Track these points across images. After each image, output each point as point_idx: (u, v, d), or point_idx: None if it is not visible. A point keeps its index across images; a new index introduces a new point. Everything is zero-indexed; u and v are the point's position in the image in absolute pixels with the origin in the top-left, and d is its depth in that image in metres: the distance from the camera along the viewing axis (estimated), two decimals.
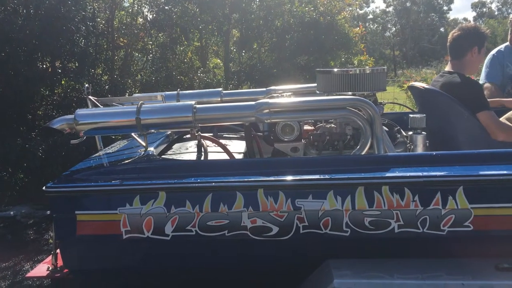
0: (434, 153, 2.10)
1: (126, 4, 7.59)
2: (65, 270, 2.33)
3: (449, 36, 3.09)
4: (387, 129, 2.72)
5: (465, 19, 63.98)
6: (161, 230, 2.01)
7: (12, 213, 5.18)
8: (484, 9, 62.31)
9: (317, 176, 1.98)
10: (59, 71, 6.34)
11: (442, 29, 53.42)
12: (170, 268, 2.13)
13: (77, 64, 6.35)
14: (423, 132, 2.52)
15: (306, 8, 7.07)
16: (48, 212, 5.06)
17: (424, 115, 2.52)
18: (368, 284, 1.76)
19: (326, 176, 1.97)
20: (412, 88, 3.18)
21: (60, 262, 2.40)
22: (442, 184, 1.91)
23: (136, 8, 7.16)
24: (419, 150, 2.49)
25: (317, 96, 2.59)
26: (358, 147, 2.31)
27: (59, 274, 2.37)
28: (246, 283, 2.15)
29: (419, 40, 51.28)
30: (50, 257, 2.50)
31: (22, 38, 5.64)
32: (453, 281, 1.72)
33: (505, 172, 1.90)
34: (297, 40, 7.09)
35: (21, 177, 5.87)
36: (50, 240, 4.32)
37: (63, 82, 6.48)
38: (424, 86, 3.04)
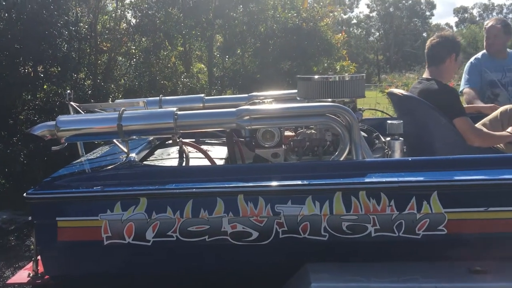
0: (409, 159, 2.16)
1: (110, 9, 7.58)
2: (46, 277, 2.32)
3: (428, 43, 3.15)
4: (366, 135, 2.78)
5: (447, 24, 65.06)
6: (142, 236, 2.02)
7: None
8: (466, 15, 63.44)
9: (296, 182, 2.02)
10: (42, 75, 6.30)
11: (424, 34, 54.21)
12: (151, 274, 2.14)
13: (59, 69, 6.32)
14: (400, 138, 2.58)
15: (289, 14, 7.16)
16: (30, 218, 5.00)
17: (401, 121, 2.58)
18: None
19: (305, 182, 2.01)
20: (391, 95, 3.25)
21: (41, 269, 2.40)
22: (417, 189, 1.97)
23: (119, 12, 7.15)
24: (397, 155, 2.54)
25: (297, 103, 2.63)
26: (336, 153, 2.35)
27: (40, 281, 2.36)
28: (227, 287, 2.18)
29: (402, 45, 51.98)
30: (31, 264, 2.49)
31: (4, 43, 5.60)
32: (427, 283, 1.78)
33: (477, 177, 1.97)
34: (280, 46, 7.16)
35: (2, 182, 5.82)
36: (31, 246, 4.28)
37: (45, 86, 6.44)
38: (402, 93, 3.10)
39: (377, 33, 55.42)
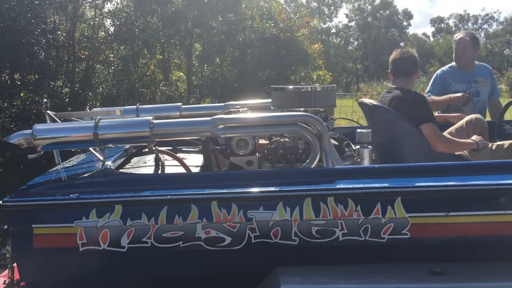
0: (376, 166, 2.26)
1: (88, 16, 7.58)
2: (22, 283, 2.35)
3: (398, 55, 3.28)
4: (336, 143, 2.88)
5: (424, 34, 66.27)
6: (117, 242, 2.07)
7: None
8: (442, 25, 64.71)
9: (267, 189, 2.10)
10: (18, 83, 6.27)
11: (402, 44, 55.10)
12: (127, 280, 2.19)
13: (36, 77, 6.30)
14: (369, 146, 2.69)
15: (267, 24, 7.29)
16: (5, 226, 4.97)
17: (370, 130, 2.68)
18: None
19: (276, 188, 2.09)
20: (361, 104, 3.36)
21: (16, 276, 2.42)
22: (382, 195, 2.06)
23: (98, 21, 7.17)
24: (365, 163, 2.65)
25: (270, 112, 2.71)
26: (308, 160, 2.44)
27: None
28: None
29: (380, 54, 52.74)
30: (6, 271, 2.51)
31: None
32: (390, 284, 1.87)
33: (438, 183, 2.08)
34: (258, 55, 7.28)
35: None
36: (7, 255, 4.25)
37: (22, 94, 6.40)
38: (372, 103, 3.22)
39: (356, 43, 56.23)
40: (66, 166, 2.71)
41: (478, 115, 3.47)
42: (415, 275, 1.93)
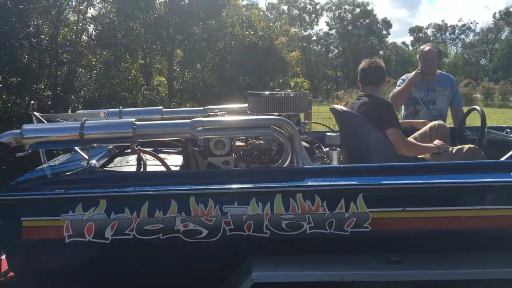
0: (340, 166, 2.47)
1: (71, 21, 7.68)
2: (10, 274, 2.48)
3: (366, 65, 3.50)
4: (308, 145, 3.08)
5: (404, 43, 67.38)
6: (102, 234, 2.23)
7: None
8: (421, 34, 65.77)
9: (241, 186, 2.29)
10: (1, 85, 6.33)
11: (381, 52, 55.90)
12: (110, 269, 2.34)
13: (19, 79, 6.37)
14: (337, 149, 2.90)
15: (247, 32, 7.51)
16: None
17: (338, 133, 2.90)
18: (281, 276, 2.07)
19: (250, 185, 2.28)
20: (332, 110, 3.58)
21: (3, 268, 2.56)
22: (345, 192, 2.27)
23: (81, 26, 7.28)
24: (334, 163, 2.85)
25: (245, 116, 2.90)
26: (280, 160, 2.63)
27: (2, 279, 2.52)
28: (179, 281, 2.40)
29: (359, 62, 53.41)
30: None
31: None
32: (351, 271, 2.07)
33: (395, 181, 2.29)
34: (238, 62, 7.48)
35: None
36: None
37: (4, 96, 6.46)
38: (342, 109, 3.44)
39: (336, 50, 56.86)
40: (52, 164, 2.86)
41: (440, 122, 3.73)
42: (373, 264, 2.14)
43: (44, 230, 2.25)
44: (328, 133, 2.92)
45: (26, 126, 2.44)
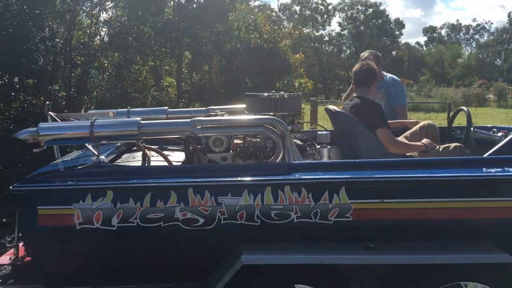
0: (325, 161, 2.69)
1: (85, 24, 7.98)
2: (27, 259, 2.74)
3: (358, 67, 3.69)
4: (301, 143, 3.30)
5: (418, 43, 66.91)
6: (109, 221, 2.48)
7: None
8: (435, 34, 65.22)
9: (235, 179, 2.52)
10: (17, 86, 6.65)
11: (394, 53, 55.64)
12: (116, 253, 2.59)
13: (35, 81, 6.68)
14: (328, 146, 3.11)
15: (252, 35, 7.76)
16: (4, 220, 5.35)
17: (328, 132, 3.11)
18: (267, 258, 2.30)
19: (242, 178, 2.51)
20: (327, 110, 3.79)
21: (21, 253, 2.82)
22: (329, 185, 2.49)
23: (93, 29, 7.58)
24: (324, 160, 3.07)
25: (242, 116, 3.14)
26: (273, 157, 2.86)
27: (20, 263, 2.79)
28: (177, 265, 2.63)
29: None
30: (12, 250, 2.91)
31: None
32: (330, 255, 2.29)
33: (375, 176, 2.51)
34: (244, 64, 7.74)
35: None
36: (7, 244, 4.62)
37: (20, 97, 6.78)
38: (335, 109, 3.65)
39: (348, 51, 56.78)
40: (65, 159, 3.12)
41: (430, 121, 3.91)
42: (351, 250, 2.36)
43: (57, 217, 2.50)
44: (319, 132, 3.13)
45: (42, 125, 2.69)
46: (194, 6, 7.65)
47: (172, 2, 7.87)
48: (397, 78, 4.78)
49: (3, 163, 6.01)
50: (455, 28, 65.23)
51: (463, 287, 2.37)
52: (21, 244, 2.82)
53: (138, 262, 2.62)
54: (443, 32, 65.61)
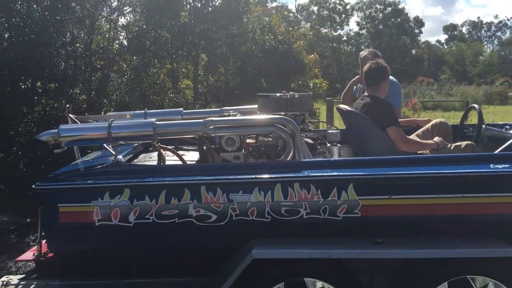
0: (333, 159, 2.76)
1: (104, 29, 8.19)
2: (49, 255, 2.88)
3: (367, 67, 3.74)
4: (312, 142, 3.36)
5: (438, 41, 65.95)
6: (126, 218, 2.59)
7: None
8: (455, 32, 64.22)
9: (246, 176, 2.61)
10: (40, 91, 6.88)
11: (413, 51, 55.03)
12: (133, 248, 2.70)
13: (56, 85, 6.90)
14: (338, 144, 3.17)
15: (267, 37, 7.85)
16: (29, 220, 5.55)
17: (338, 131, 3.17)
18: (277, 253, 2.38)
19: (253, 176, 2.60)
20: (338, 110, 3.85)
21: (43, 250, 2.96)
22: (337, 182, 2.55)
23: (112, 34, 7.78)
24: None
25: (253, 115, 3.22)
26: (284, 155, 2.94)
27: (42, 258, 2.93)
28: (191, 260, 2.73)
29: (391, 61, 52.80)
30: (35, 247, 3.06)
31: (6, 61, 6.18)
32: (338, 250, 2.36)
33: (383, 172, 2.56)
34: (259, 65, 7.83)
35: (3, 188, 6.33)
36: (31, 243, 4.80)
37: (43, 101, 7.00)
38: (346, 108, 3.71)
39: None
40: (84, 160, 3.25)
41: (442, 119, 3.94)
42: (360, 244, 2.42)
43: (77, 215, 2.62)
44: (329, 131, 3.19)
45: (62, 126, 2.82)
46: (210, 9, 7.79)
47: (188, 6, 8.02)
48: (395, 80, 4.81)
49: (27, 165, 6.22)
50: (476, 25, 64.09)
51: (470, 281, 2.40)
52: (44, 241, 2.96)
53: (153, 257, 2.73)
54: (464, 29, 64.57)
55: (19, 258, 3.06)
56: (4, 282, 2.78)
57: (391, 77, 4.83)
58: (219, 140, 3.17)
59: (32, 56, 6.20)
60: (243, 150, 3.12)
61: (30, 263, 3.77)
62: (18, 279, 2.82)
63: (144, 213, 2.58)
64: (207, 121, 2.82)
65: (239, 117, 3.04)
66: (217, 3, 7.87)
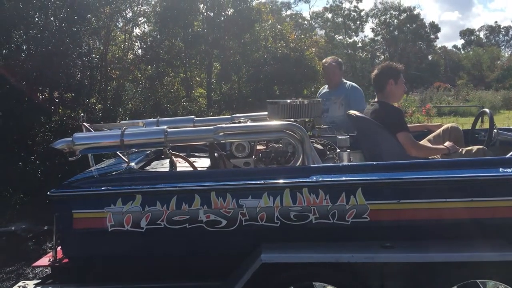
0: (341, 164, 2.77)
1: (119, 40, 8.35)
2: (64, 260, 2.94)
3: (373, 74, 3.76)
4: (321, 148, 3.39)
5: (455, 47, 65.33)
6: (138, 224, 2.63)
7: (13, 228, 5.77)
8: (472, 37, 63.58)
9: (255, 182, 2.64)
10: (57, 101, 7.03)
11: (430, 57, 54.60)
12: (145, 253, 2.75)
13: (73, 95, 7.05)
14: (348, 150, 3.19)
15: (279, 45, 7.91)
16: (46, 227, 5.66)
17: (348, 136, 3.19)
18: (285, 257, 2.41)
19: (262, 182, 2.63)
20: (348, 116, 3.87)
21: (59, 255, 3.02)
22: (346, 186, 2.57)
23: (127, 44, 7.92)
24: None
25: (263, 122, 3.25)
26: (293, 160, 2.96)
27: (58, 264, 2.99)
28: (201, 265, 2.77)
29: (407, 67, 52.37)
30: (51, 253, 3.13)
31: (24, 72, 6.35)
32: (346, 254, 2.37)
33: (391, 177, 2.57)
34: (271, 72, 7.89)
35: (21, 196, 6.48)
36: (48, 250, 4.90)
37: (60, 111, 7.15)
38: (356, 114, 3.72)
39: (382, 56, 56.11)
40: (98, 167, 3.32)
41: (454, 124, 3.93)
42: (368, 248, 2.43)
43: (90, 220, 2.68)
44: (339, 136, 3.21)
45: (77, 135, 2.89)
46: (222, 18, 7.89)
47: (201, 16, 8.13)
48: (357, 86, 4.93)
49: (45, 174, 6.36)
50: (493, 30, 63.35)
51: (480, 285, 2.39)
52: (59, 247, 3.02)
53: (165, 262, 2.77)
54: (481, 34, 63.89)
55: (35, 264, 3.13)
56: (21, 287, 2.85)
57: (353, 83, 4.92)
58: (230, 147, 3.21)
59: (49, 67, 6.36)
60: (253, 156, 3.16)
61: (46, 269, 3.85)
62: (34, 284, 2.89)
63: (156, 218, 2.63)
64: (217, 128, 2.86)
65: (248, 123, 3.07)
66: (229, 12, 7.97)
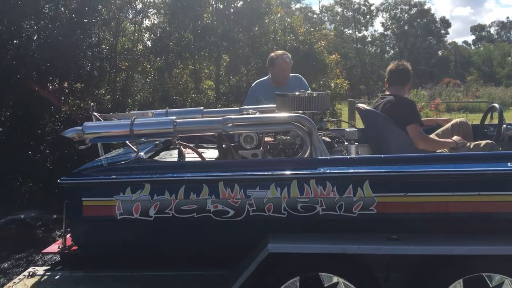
0: (348, 156, 2.78)
1: (129, 31, 8.37)
2: (74, 248, 2.99)
3: (394, 67, 3.74)
4: (329, 140, 3.39)
5: (465, 42, 64.70)
6: (146, 212, 2.66)
7: (22, 216, 5.85)
8: (483, 33, 62.96)
9: (262, 173, 2.66)
10: (67, 91, 7.08)
11: (439, 53, 54.17)
12: (153, 242, 2.78)
13: (82, 85, 7.09)
14: (356, 143, 3.19)
15: (288, 37, 7.88)
16: (55, 216, 5.73)
17: (356, 129, 3.20)
18: (292, 247, 2.43)
19: (269, 173, 2.65)
20: (357, 109, 3.87)
21: (68, 242, 3.07)
22: (353, 179, 2.58)
23: (137, 35, 7.95)
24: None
25: (271, 114, 3.27)
26: (301, 152, 2.98)
27: (67, 251, 3.04)
28: (208, 254, 2.80)
29: (416, 62, 52.09)
30: (60, 240, 3.18)
31: (35, 62, 6.40)
32: (353, 245, 2.39)
33: (398, 170, 2.58)
34: None
35: (31, 185, 6.55)
36: (56, 238, 4.96)
37: (69, 101, 7.20)
38: (364, 107, 3.72)
39: (392, 51, 55.73)
40: (108, 156, 3.36)
41: (463, 119, 3.92)
42: (375, 240, 2.44)
43: (100, 208, 2.72)
44: (347, 129, 3.22)
45: (87, 124, 2.92)
46: (232, 10, 7.88)
47: (210, 8, 8.13)
48: (297, 74, 4.65)
49: (54, 163, 6.42)
50: (505, 26, 62.65)
51: (486, 279, 2.40)
52: (68, 234, 3.07)
53: (173, 250, 2.80)
54: (492, 30, 63.22)
55: (45, 251, 3.19)
56: (30, 273, 2.90)
57: (297, 74, 4.65)
58: (237, 138, 3.23)
59: (59, 57, 6.40)
60: (261, 148, 3.17)
61: (56, 256, 3.91)
62: (43, 270, 2.94)
63: (164, 207, 2.65)
64: (226, 119, 2.87)
65: (257, 115, 3.09)
66: (239, 5, 7.96)
